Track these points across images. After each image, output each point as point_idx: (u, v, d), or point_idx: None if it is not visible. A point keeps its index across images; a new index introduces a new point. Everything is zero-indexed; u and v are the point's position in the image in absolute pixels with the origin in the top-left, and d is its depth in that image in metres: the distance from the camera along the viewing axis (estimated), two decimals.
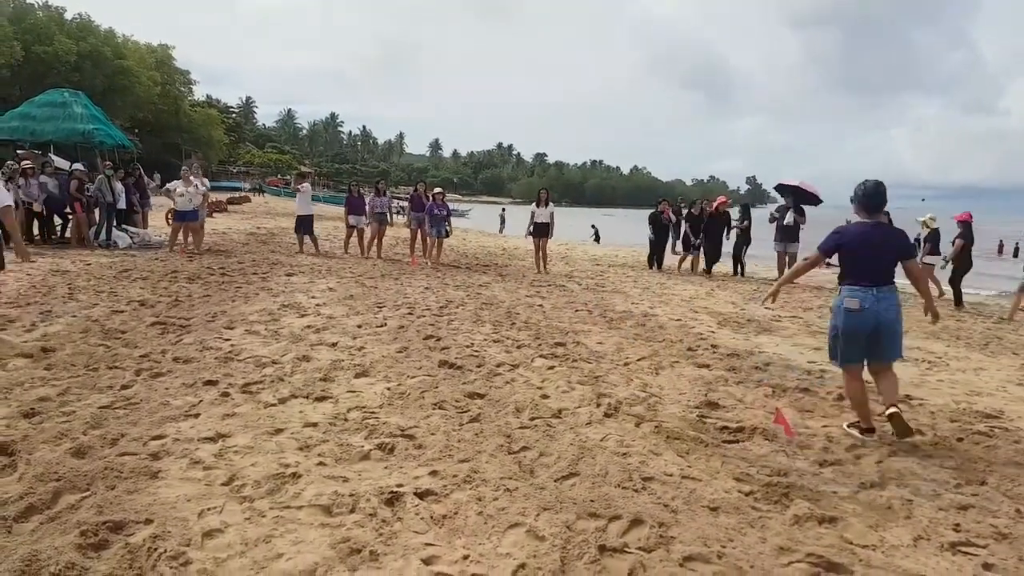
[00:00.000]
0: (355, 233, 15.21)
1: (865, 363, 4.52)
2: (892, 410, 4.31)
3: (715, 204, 15.33)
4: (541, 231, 14.14)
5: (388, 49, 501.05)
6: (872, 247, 4.42)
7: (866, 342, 4.41)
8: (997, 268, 12.23)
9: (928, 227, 12.94)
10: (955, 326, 9.68)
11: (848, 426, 4.64)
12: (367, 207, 15.05)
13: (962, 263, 11.98)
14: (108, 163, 14.25)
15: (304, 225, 15.02)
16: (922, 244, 12.97)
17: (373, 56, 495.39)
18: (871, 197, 4.52)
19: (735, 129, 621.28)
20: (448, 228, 14.45)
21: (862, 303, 4.35)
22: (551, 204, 14.41)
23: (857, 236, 4.49)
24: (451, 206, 16.05)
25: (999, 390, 6.07)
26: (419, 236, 14.82)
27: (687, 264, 15.54)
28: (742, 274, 15.51)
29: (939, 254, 12.73)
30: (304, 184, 16.07)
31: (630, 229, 37.14)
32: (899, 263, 4.47)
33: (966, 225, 11.99)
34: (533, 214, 14.29)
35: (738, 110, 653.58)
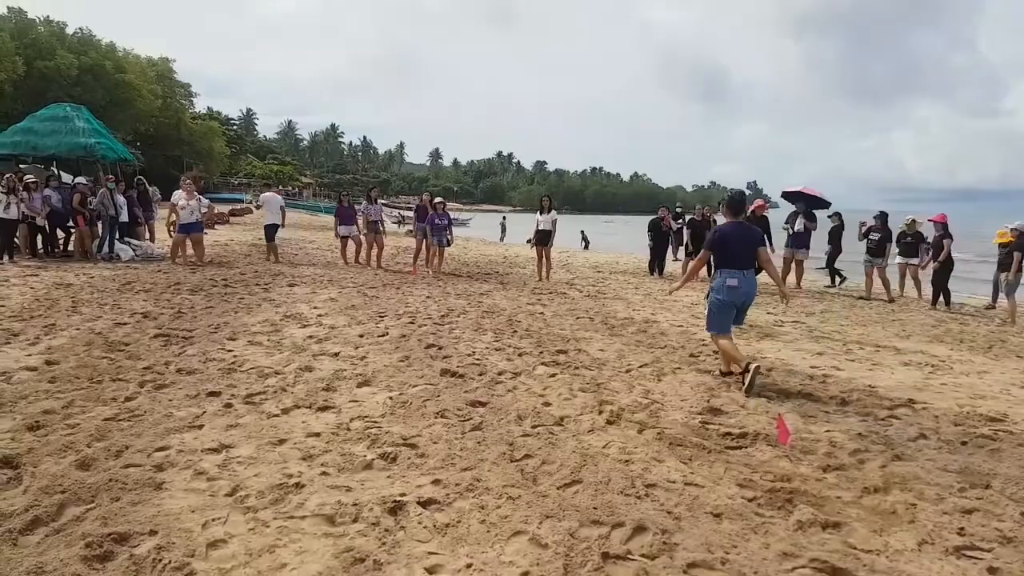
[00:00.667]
0: (349, 243, 15.25)
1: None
2: (753, 365, 5.58)
3: (752, 208, 14.01)
4: (542, 238, 14.14)
5: (388, 58, 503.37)
6: (741, 240, 5.78)
7: (735, 311, 5.83)
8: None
9: (913, 229, 13.21)
10: (958, 329, 9.68)
11: (722, 374, 6.02)
12: (361, 217, 15.09)
13: (946, 263, 12.26)
14: (111, 177, 14.29)
15: (269, 232, 15.20)
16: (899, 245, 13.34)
17: (374, 65, 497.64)
18: (735, 203, 5.96)
19: (736, 133, 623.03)
20: (449, 237, 14.48)
21: (739, 282, 5.72)
22: (553, 211, 14.37)
23: (732, 233, 5.82)
24: (452, 215, 16.06)
25: (1003, 393, 6.06)
26: (423, 246, 14.83)
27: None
28: None
29: (917, 255, 13.15)
30: (267, 193, 16.17)
31: (630, 235, 37.12)
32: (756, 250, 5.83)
33: (944, 226, 12.33)
34: (538, 222, 14.29)
35: (739, 114, 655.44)
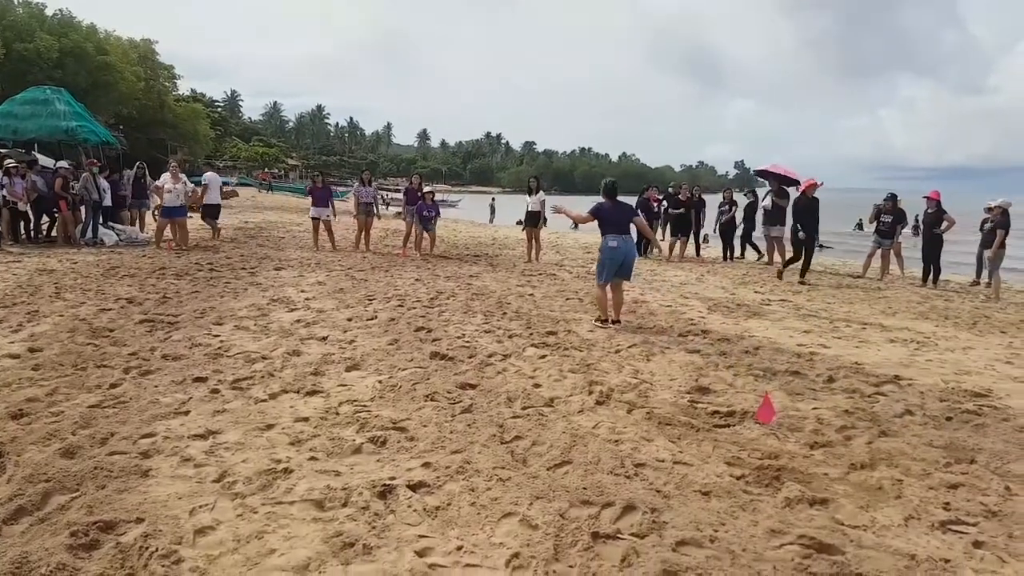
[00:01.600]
0: (321, 226, 14.66)
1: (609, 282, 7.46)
2: (617, 322, 7.34)
3: (803, 187, 12.65)
4: (531, 220, 14.08)
5: (374, 38, 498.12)
6: (617, 215, 7.43)
7: (618, 267, 7.33)
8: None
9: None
10: (943, 306, 9.76)
11: (595, 321, 7.47)
12: (352, 198, 14.96)
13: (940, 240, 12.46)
14: (93, 161, 14.10)
15: (210, 212, 15.04)
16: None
17: (359, 45, 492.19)
18: (609, 190, 7.53)
19: (724, 114, 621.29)
20: (432, 226, 14.40)
21: (619, 244, 7.29)
22: (541, 192, 14.29)
23: (609, 209, 7.42)
24: (441, 197, 15.92)
25: (987, 369, 6.11)
26: (412, 229, 14.73)
27: (676, 250, 15.53)
28: (731, 259, 15.56)
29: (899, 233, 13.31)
30: (209, 173, 16.27)
31: None
32: (632, 222, 7.51)
33: (938, 203, 12.48)
34: (527, 203, 14.24)
35: (727, 94, 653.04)
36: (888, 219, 13.03)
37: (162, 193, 13.41)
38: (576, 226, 30.14)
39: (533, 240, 14.14)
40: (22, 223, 13.47)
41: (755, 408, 4.55)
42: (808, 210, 11.84)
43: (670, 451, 3.86)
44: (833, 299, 10.05)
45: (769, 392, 4.84)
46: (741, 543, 2.84)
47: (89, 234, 13.41)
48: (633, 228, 7.52)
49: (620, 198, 7.53)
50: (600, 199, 7.47)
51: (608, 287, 7.47)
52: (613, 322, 7.34)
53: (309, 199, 15.41)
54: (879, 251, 13.23)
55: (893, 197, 13.29)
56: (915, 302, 10.03)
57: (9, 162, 12.91)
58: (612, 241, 7.36)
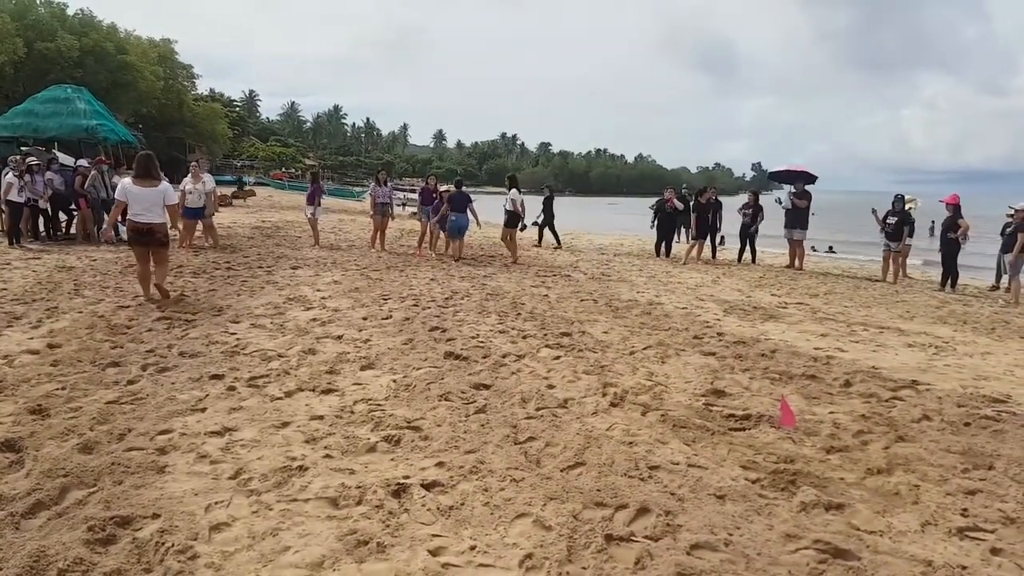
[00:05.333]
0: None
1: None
2: (458, 260, 13.00)
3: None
4: (509, 221, 14.09)
5: (392, 37, 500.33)
6: (459, 200, 13.06)
7: (456, 232, 13.22)
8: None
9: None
10: (962, 310, 9.65)
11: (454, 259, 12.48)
12: (369, 198, 15.02)
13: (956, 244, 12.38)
14: (101, 159, 14.25)
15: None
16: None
17: (377, 44, 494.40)
18: (457, 183, 13.27)
19: (741, 111, 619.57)
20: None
21: (456, 218, 13.06)
22: (514, 190, 14.32)
23: (456, 197, 13.09)
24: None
25: (1006, 374, 6.04)
26: (427, 229, 14.71)
27: (692, 252, 15.44)
28: (753, 260, 15.45)
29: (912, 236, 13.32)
30: (115, 177, 16.09)
31: (633, 216, 36.93)
32: (467, 207, 13.24)
33: (956, 207, 12.40)
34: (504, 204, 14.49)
35: (744, 91, 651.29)
36: (893, 220, 12.99)
37: (185, 195, 13.49)
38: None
39: (509, 240, 13.97)
40: (42, 220, 13.63)
41: (771, 411, 4.52)
42: None
43: (685, 454, 3.84)
44: (850, 302, 9.96)
45: (785, 396, 4.80)
46: (756, 547, 2.82)
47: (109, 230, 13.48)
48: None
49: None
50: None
51: (454, 242, 13.23)
52: (457, 259, 12.56)
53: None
54: (892, 255, 13.18)
55: (900, 199, 13.27)
56: (933, 306, 9.93)
57: (31, 160, 13.06)
58: (452, 216, 13.01)
